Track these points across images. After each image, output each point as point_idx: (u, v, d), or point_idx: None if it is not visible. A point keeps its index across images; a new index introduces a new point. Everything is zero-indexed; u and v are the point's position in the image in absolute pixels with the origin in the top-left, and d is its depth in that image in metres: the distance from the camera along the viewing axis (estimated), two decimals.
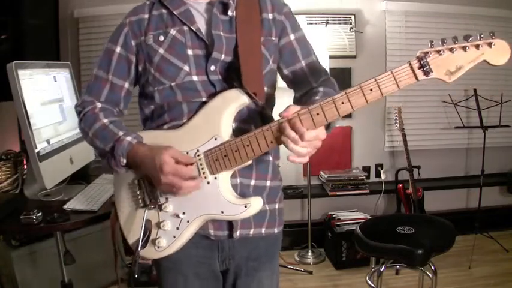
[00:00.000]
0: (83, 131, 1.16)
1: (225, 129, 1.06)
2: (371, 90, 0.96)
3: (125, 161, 1.08)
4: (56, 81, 1.84)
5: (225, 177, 1.07)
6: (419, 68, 0.94)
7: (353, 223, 2.93)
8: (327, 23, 3.15)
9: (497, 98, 3.10)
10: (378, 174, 3.41)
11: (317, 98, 1.07)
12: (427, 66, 0.93)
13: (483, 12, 3.30)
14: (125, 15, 1.16)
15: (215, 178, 1.06)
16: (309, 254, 3.11)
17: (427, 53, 0.93)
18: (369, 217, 3.01)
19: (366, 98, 0.96)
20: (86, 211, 1.51)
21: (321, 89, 1.13)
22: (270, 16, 1.16)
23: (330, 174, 3.19)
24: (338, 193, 3.13)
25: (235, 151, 1.04)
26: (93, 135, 1.13)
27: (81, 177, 1.88)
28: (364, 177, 3.19)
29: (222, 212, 1.07)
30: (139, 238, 1.09)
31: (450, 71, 0.94)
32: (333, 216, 3.10)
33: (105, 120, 1.12)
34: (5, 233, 1.97)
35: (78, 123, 1.18)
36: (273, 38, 1.16)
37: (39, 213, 1.44)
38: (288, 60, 1.19)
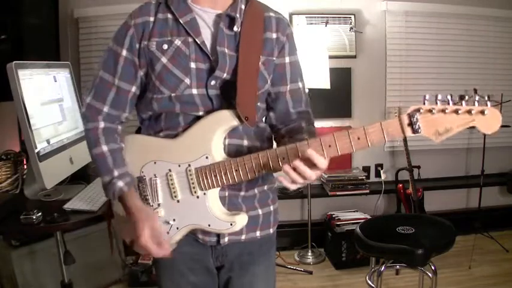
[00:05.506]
0: (87, 143, 1.17)
1: (216, 148, 1.09)
2: (358, 138, 0.97)
3: (116, 200, 1.14)
4: (56, 81, 1.84)
5: (214, 193, 1.11)
6: (409, 125, 0.94)
7: (353, 223, 2.92)
8: (327, 23, 3.14)
9: (497, 98, 3.10)
10: (378, 174, 3.41)
11: (304, 136, 1.09)
12: (417, 124, 0.93)
13: (483, 12, 3.30)
14: (130, 15, 1.12)
15: (204, 194, 1.10)
16: (309, 254, 3.11)
17: (419, 109, 0.93)
18: (369, 217, 3.01)
19: (352, 145, 0.97)
20: (86, 211, 1.51)
21: (303, 124, 1.17)
22: (274, 36, 1.16)
23: (330, 174, 3.18)
24: (338, 193, 3.13)
25: (225, 173, 1.07)
26: (92, 157, 1.16)
27: (81, 177, 1.88)
28: (364, 177, 3.18)
29: (209, 225, 1.11)
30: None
31: (439, 132, 0.93)
32: (333, 216, 3.10)
33: (105, 149, 1.13)
34: (5, 233, 1.96)
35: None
36: (274, 58, 1.17)
37: (39, 213, 1.44)
38: (276, 81, 1.19)
